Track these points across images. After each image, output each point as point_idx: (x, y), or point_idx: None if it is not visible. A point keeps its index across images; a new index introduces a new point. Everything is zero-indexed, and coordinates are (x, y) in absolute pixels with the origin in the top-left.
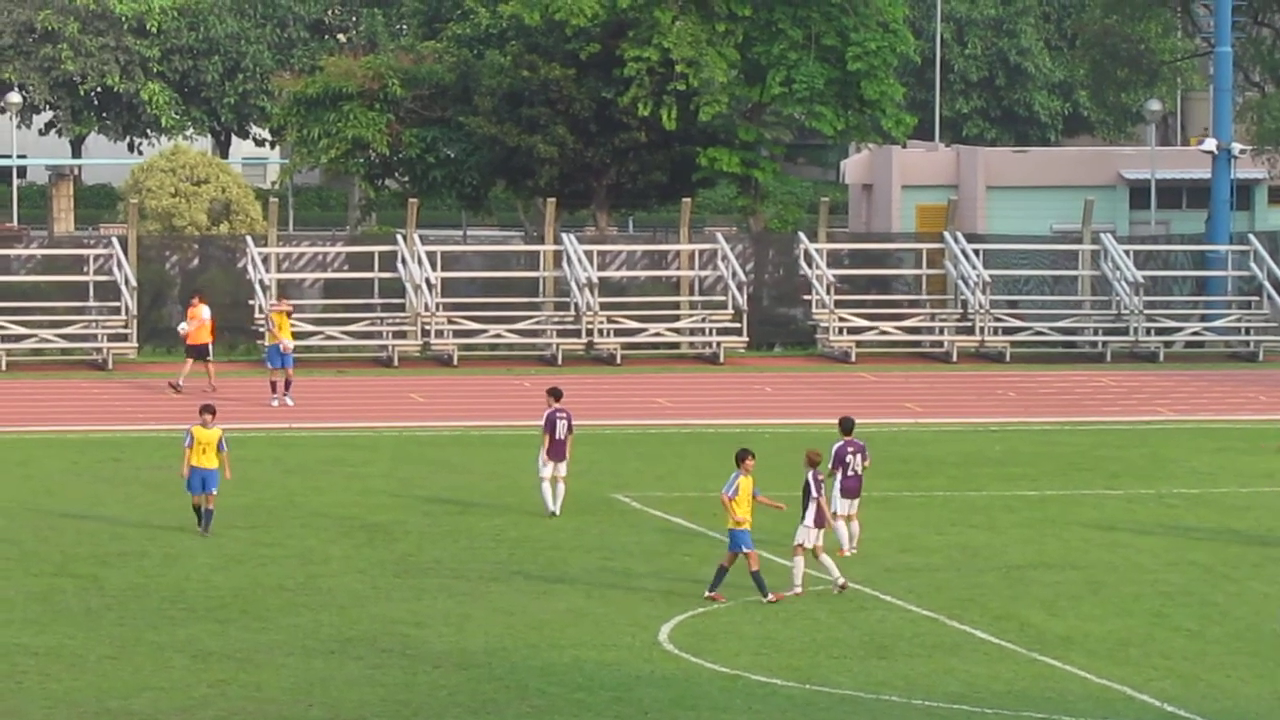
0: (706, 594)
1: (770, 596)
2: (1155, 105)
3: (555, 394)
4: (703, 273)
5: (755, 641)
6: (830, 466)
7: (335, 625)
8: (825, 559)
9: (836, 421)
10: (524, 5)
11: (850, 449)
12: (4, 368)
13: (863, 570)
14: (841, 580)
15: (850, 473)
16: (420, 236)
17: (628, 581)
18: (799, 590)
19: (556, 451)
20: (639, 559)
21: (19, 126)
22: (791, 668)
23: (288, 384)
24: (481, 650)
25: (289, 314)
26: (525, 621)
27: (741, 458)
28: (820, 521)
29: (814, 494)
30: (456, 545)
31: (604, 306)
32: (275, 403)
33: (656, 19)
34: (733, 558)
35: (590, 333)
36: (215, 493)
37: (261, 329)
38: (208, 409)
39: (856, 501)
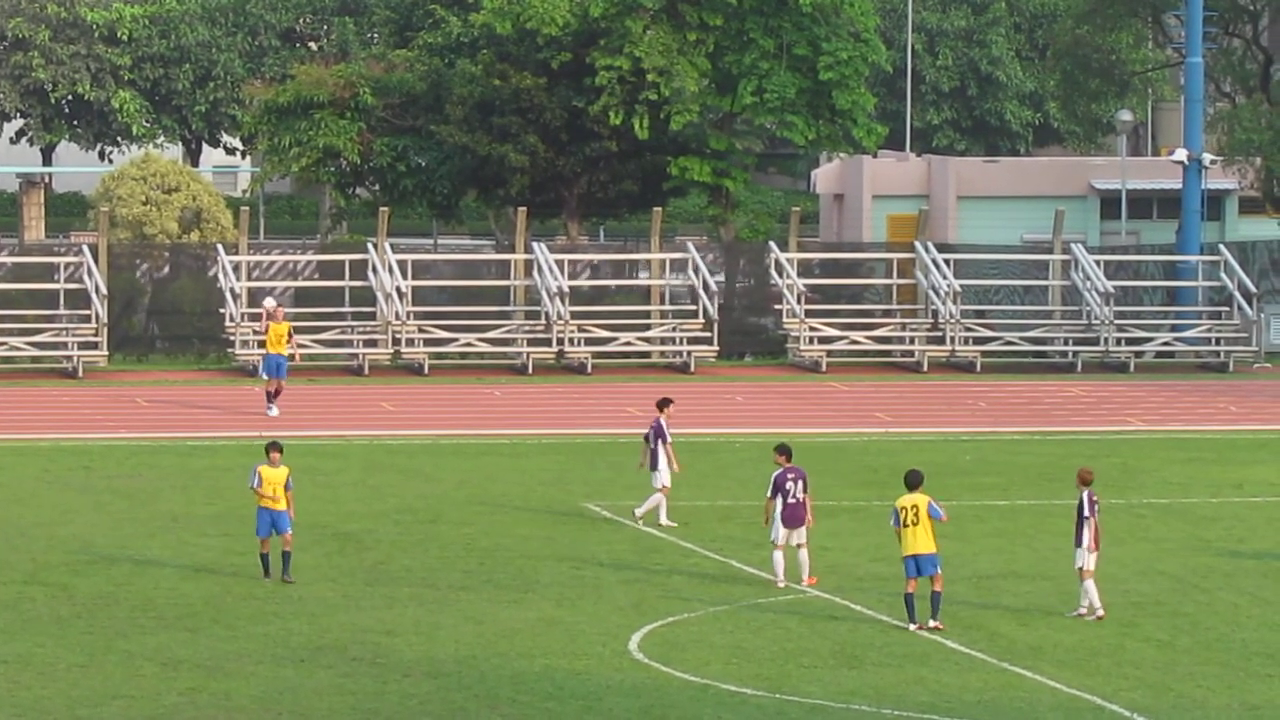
0: (931, 624)
1: (913, 627)
2: (1126, 116)
3: (659, 404)
4: (673, 282)
5: (725, 651)
6: (769, 495)
7: (305, 634)
8: (1090, 584)
9: (774, 447)
10: (495, 14)
11: (790, 476)
12: None
13: (833, 580)
14: (1088, 609)
15: (791, 499)
16: (391, 245)
17: (598, 591)
18: (1100, 612)
19: (652, 461)
20: (609, 568)
21: None
22: (761, 677)
23: (277, 393)
24: (452, 659)
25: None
26: (495, 630)
27: (914, 483)
28: (1094, 543)
29: (1086, 514)
30: (427, 554)
31: (575, 315)
32: (273, 410)
33: (628, 28)
34: (915, 582)
35: (561, 342)
36: (290, 533)
37: (231, 337)
38: (275, 446)
39: (802, 530)
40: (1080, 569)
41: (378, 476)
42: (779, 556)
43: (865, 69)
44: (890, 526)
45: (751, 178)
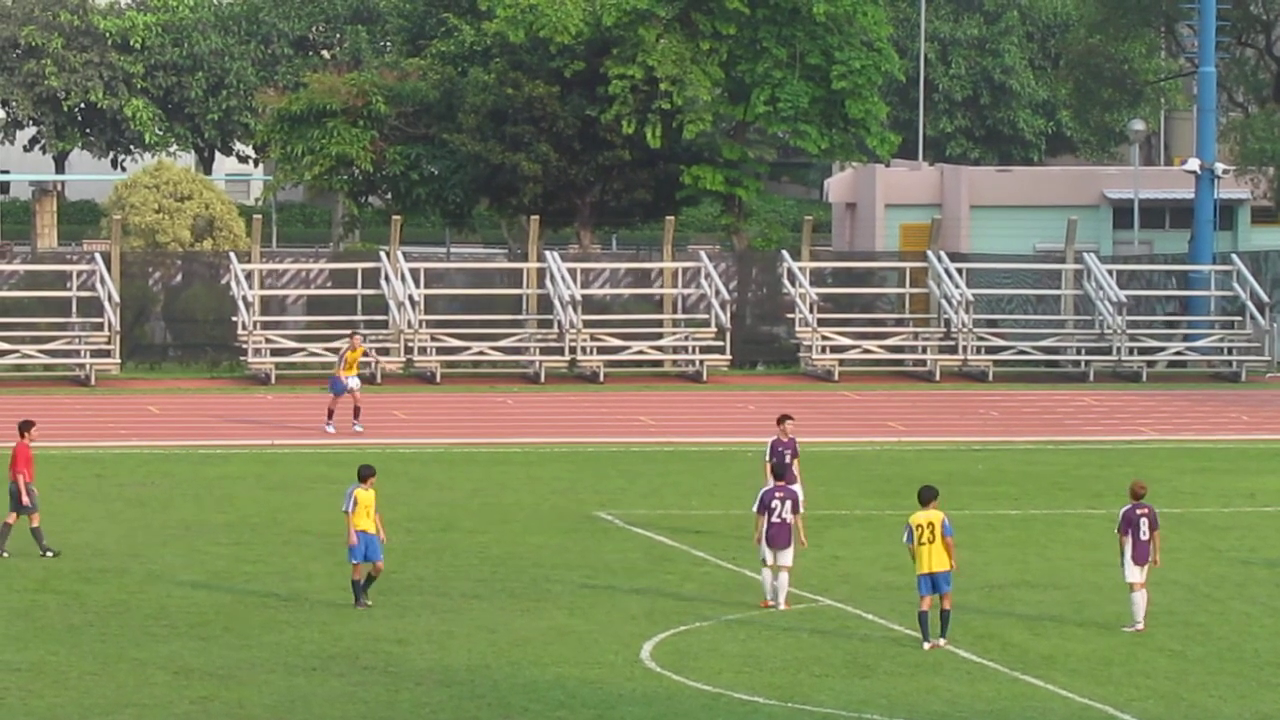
0: (941, 642)
1: (927, 645)
2: (1139, 125)
3: (780, 420)
4: (686, 291)
5: (737, 660)
6: (755, 512)
7: (317, 642)
8: (1144, 595)
9: (769, 467)
10: (508, 23)
11: (778, 494)
12: None
13: (845, 589)
14: (1139, 625)
15: (775, 519)
16: (403, 253)
17: (610, 599)
18: (1139, 626)
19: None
20: (622, 577)
21: (2, 142)
22: (773, 686)
23: (331, 412)
24: (464, 668)
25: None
26: (508, 639)
27: (928, 498)
28: (1140, 557)
29: (1122, 527)
30: (439, 563)
31: (587, 324)
32: (331, 428)
33: (641, 37)
34: (929, 599)
35: (573, 350)
36: (381, 562)
37: (244, 345)
38: (369, 470)
39: (787, 552)
40: (1130, 582)
41: (390, 485)
42: (767, 575)
43: (878, 78)
44: (903, 543)
45: (764, 187)
